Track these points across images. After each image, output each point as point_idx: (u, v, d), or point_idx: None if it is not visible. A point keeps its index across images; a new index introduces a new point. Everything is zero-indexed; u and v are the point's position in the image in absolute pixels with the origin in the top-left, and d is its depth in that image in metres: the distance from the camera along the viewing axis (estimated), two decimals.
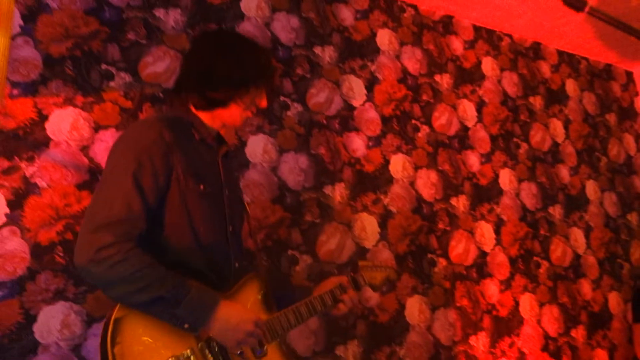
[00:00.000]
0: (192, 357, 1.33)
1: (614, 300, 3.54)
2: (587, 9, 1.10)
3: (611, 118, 4.06)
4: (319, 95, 2.71)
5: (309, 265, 2.45)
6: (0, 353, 1.76)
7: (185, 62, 1.62)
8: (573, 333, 3.27)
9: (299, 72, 2.67)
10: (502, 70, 3.53)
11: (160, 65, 2.28)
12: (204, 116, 1.56)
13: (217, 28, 1.68)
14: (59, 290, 1.88)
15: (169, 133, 1.44)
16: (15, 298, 1.82)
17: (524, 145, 3.47)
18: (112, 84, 2.15)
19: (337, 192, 2.63)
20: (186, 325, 1.33)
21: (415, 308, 2.70)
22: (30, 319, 1.82)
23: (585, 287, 3.43)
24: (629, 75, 4.33)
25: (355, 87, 2.86)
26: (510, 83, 3.55)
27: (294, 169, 2.53)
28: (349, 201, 2.65)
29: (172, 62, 2.31)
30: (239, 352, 1.41)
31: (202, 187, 1.48)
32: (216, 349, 1.38)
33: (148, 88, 2.23)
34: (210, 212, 1.51)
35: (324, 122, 2.69)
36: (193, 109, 1.56)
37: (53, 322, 1.85)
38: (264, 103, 1.61)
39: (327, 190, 2.60)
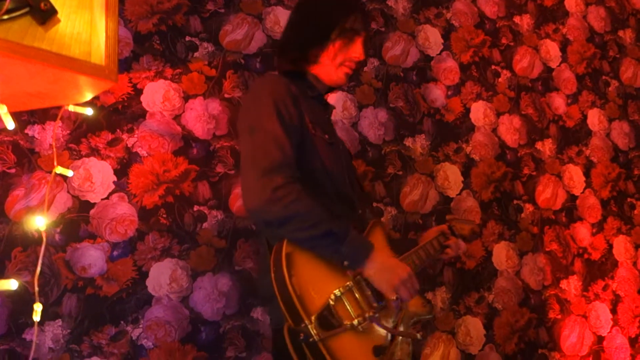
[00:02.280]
0: (353, 289, 1.41)
1: None
2: None
3: None
4: (394, 48, 2.71)
5: (393, 217, 2.52)
6: (120, 305, 1.97)
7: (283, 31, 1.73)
8: None
9: (373, 26, 2.68)
10: (587, 4, 3.35)
11: (239, 32, 2.37)
12: (312, 78, 1.65)
13: None
14: (165, 248, 2.06)
15: (294, 86, 1.54)
16: (128, 257, 2.02)
17: (614, 83, 3.30)
18: (196, 54, 2.27)
19: (418, 144, 2.65)
20: (346, 263, 1.42)
21: (502, 254, 2.71)
22: (143, 275, 2.02)
23: None
24: None
25: (432, 37, 2.83)
26: (597, 18, 3.36)
27: (374, 123, 2.58)
28: (430, 152, 2.67)
29: (250, 28, 2.39)
30: (395, 298, 1.45)
31: (327, 136, 1.58)
32: (372, 284, 1.45)
33: (230, 55, 2.33)
34: (336, 160, 1.59)
35: (401, 74, 2.70)
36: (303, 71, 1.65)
37: (162, 277, 2.04)
38: (357, 54, 1.62)
39: (408, 142, 2.64)
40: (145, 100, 2.17)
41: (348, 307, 1.39)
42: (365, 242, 1.47)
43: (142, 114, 2.15)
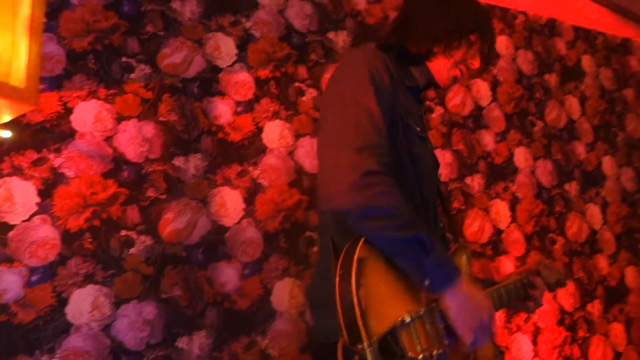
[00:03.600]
0: (425, 318, 1.22)
1: (632, 275, 3.57)
2: None
3: (628, 93, 4.03)
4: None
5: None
6: (36, 334, 1.88)
7: (399, 13, 1.54)
8: (589, 307, 3.31)
9: (313, 57, 2.72)
10: (516, 48, 3.53)
11: (178, 55, 2.35)
12: (414, 68, 1.48)
13: None
14: (88, 274, 1.99)
15: (392, 68, 1.37)
16: (48, 282, 1.94)
17: (539, 123, 3.48)
18: (132, 75, 2.23)
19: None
20: (427, 282, 1.20)
21: None
22: (63, 301, 1.94)
23: (602, 262, 3.46)
24: None
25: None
26: (525, 61, 3.55)
27: (310, 153, 2.60)
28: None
29: (190, 52, 2.38)
30: (471, 342, 1.22)
31: (419, 129, 1.40)
32: (446, 317, 1.23)
33: (167, 78, 2.30)
34: (426, 160, 1.41)
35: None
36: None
37: (84, 304, 1.96)
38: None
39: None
40: (76, 119, 2.10)
41: (415, 337, 1.19)
42: (452, 263, 1.26)
43: (71, 134, 2.08)
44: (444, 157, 3.02)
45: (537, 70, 3.58)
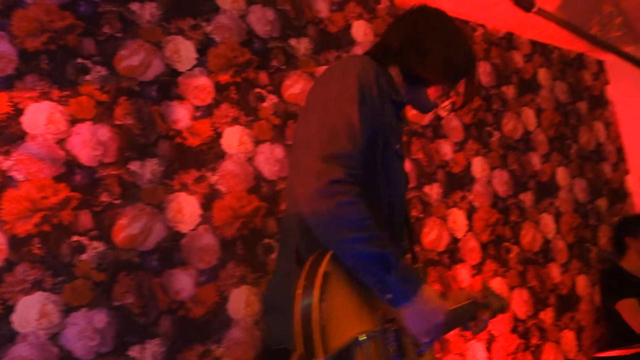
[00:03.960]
0: (378, 338, 1.23)
1: (582, 284, 3.67)
2: (535, 9, 1.16)
3: (582, 106, 4.16)
4: (294, 87, 2.76)
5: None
6: None
7: (402, 28, 1.53)
8: (542, 315, 3.39)
9: (274, 64, 2.71)
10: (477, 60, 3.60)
11: (135, 58, 2.30)
12: (401, 85, 1.50)
13: (436, 8, 1.58)
14: (36, 281, 1.92)
15: (382, 81, 1.38)
16: None
17: (497, 134, 3.55)
18: (87, 77, 2.18)
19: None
20: (389, 296, 1.21)
21: None
22: (8, 309, 1.87)
23: (554, 271, 3.55)
24: (600, 64, 4.43)
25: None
26: (484, 73, 3.62)
27: (270, 159, 2.58)
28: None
29: (148, 55, 2.34)
30: (422, 348, 1.30)
31: (398, 146, 1.41)
32: (398, 337, 1.27)
33: (124, 81, 2.26)
34: (399, 177, 1.42)
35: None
36: (395, 75, 1.48)
37: (31, 312, 1.89)
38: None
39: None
40: (27, 121, 2.04)
41: (367, 357, 1.19)
42: (416, 277, 1.27)
43: (21, 136, 2.01)
44: (407, 167, 3.04)
45: (495, 82, 3.66)
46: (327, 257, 1.18)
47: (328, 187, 1.15)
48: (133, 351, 2.05)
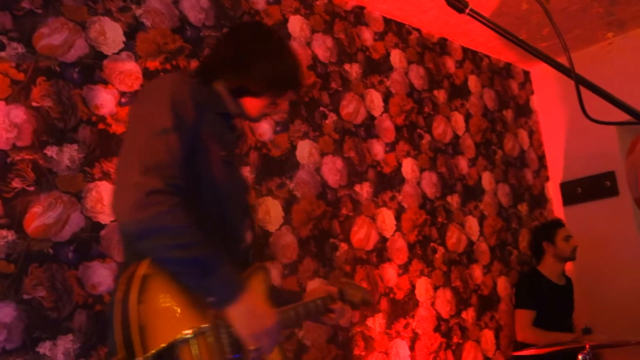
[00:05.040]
0: (208, 334, 1.25)
1: (502, 285, 3.80)
2: (467, 10, 1.17)
3: (508, 114, 4.31)
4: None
5: None
6: None
7: (226, 44, 1.59)
8: (464, 315, 3.48)
9: (207, 52, 2.63)
10: (409, 63, 3.66)
11: (57, 37, 2.17)
12: (228, 98, 1.55)
13: (260, 22, 1.67)
14: None
15: (200, 95, 1.43)
16: None
17: (427, 136, 3.62)
18: (2, 54, 2.03)
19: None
20: (211, 299, 1.26)
21: None
22: None
23: (477, 272, 3.65)
24: (526, 74, 4.61)
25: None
26: (417, 76, 3.68)
27: None
28: (254, 184, 2.67)
29: (71, 34, 2.21)
30: (254, 348, 1.31)
31: (224, 153, 1.45)
32: (232, 333, 1.30)
33: (43, 61, 2.12)
34: (231, 183, 1.47)
35: None
36: (221, 89, 1.54)
37: None
38: (284, 105, 1.66)
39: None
40: None
41: (194, 354, 1.21)
42: (237, 280, 1.32)
43: None
44: (335, 164, 3.04)
45: (427, 85, 3.73)
46: (147, 260, 1.22)
47: (146, 198, 1.20)
48: (43, 348, 1.92)
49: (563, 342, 2.65)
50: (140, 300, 1.16)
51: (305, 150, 2.93)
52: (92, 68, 2.24)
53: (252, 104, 1.56)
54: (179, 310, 1.24)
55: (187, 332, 1.21)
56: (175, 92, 1.38)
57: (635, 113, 0.96)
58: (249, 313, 1.30)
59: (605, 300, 3.90)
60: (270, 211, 2.71)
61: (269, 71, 1.52)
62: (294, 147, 2.89)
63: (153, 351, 1.14)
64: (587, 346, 2.42)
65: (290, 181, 2.83)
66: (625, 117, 1.15)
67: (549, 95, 4.51)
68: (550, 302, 3.44)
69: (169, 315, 1.22)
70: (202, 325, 1.25)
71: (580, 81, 0.96)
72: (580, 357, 2.41)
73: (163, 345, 1.16)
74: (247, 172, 2.65)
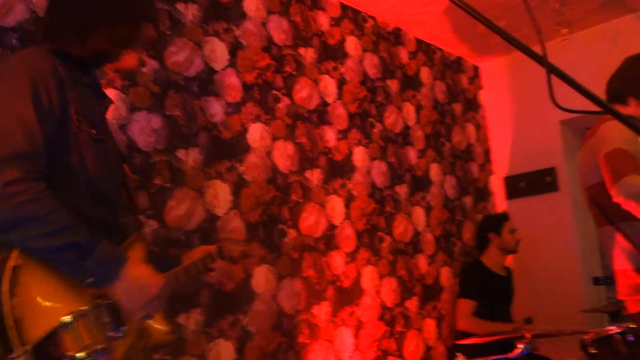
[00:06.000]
0: (89, 315, 1.23)
1: (446, 275, 3.87)
2: None
3: (457, 107, 4.38)
4: (178, 54, 2.58)
5: (155, 230, 2.36)
6: None
7: (62, 7, 1.47)
8: (407, 304, 3.51)
9: (159, 27, 2.52)
10: (364, 51, 3.64)
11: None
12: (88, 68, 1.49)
13: None
14: None
15: (63, 69, 1.36)
16: None
17: (379, 126, 3.62)
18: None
19: (191, 157, 2.55)
20: (90, 280, 1.24)
21: (262, 277, 2.72)
22: None
23: (422, 262, 3.69)
24: (476, 69, 4.69)
25: (218, 51, 2.77)
26: (371, 64, 3.67)
27: (146, 129, 2.40)
28: (202, 167, 2.59)
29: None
30: (143, 316, 1.34)
31: (94, 131, 1.41)
32: (113, 309, 1.29)
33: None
34: (102, 160, 1.43)
35: (182, 82, 2.58)
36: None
37: None
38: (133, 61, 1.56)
39: (180, 154, 2.52)
40: None
41: (77, 336, 1.19)
42: (115, 257, 1.32)
43: None
44: (286, 149, 2.99)
45: (381, 74, 3.72)
46: (16, 251, 1.18)
47: (4, 190, 1.16)
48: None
49: (503, 332, 2.71)
50: (13, 294, 1.12)
51: (256, 133, 2.86)
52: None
53: (122, 65, 1.52)
54: (56, 298, 1.21)
55: (66, 317, 1.19)
56: (35, 70, 1.30)
57: (602, 103, 0.96)
58: (132, 287, 1.31)
59: (543, 291, 4.04)
60: (218, 195, 2.63)
61: (110, 34, 1.44)
62: (245, 130, 2.82)
63: (33, 343, 1.12)
64: (528, 335, 2.48)
65: (240, 164, 2.76)
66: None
67: (496, 90, 4.61)
68: (491, 293, 3.53)
69: (46, 304, 1.19)
70: (81, 308, 1.23)
71: (552, 70, 0.95)
72: (520, 346, 2.47)
73: (42, 335, 1.14)
74: (196, 154, 2.57)
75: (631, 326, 2.52)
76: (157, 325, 1.47)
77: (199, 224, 2.52)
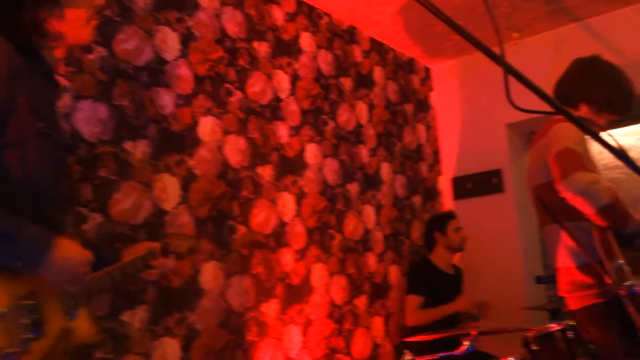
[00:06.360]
0: (5, 317, 1.20)
1: (394, 273, 3.90)
2: None
3: (409, 108, 4.42)
4: (128, 42, 2.50)
5: (99, 224, 2.27)
6: None
7: None
8: (356, 302, 3.52)
9: (107, 13, 2.43)
10: (318, 47, 3.62)
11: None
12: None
13: None
14: None
15: (19, 58, 1.34)
16: None
17: (331, 123, 3.61)
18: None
19: (139, 149, 2.47)
20: (19, 263, 1.24)
21: (210, 274, 2.67)
22: None
23: (371, 260, 3.71)
24: (427, 71, 4.75)
25: (170, 40, 2.70)
26: (325, 62, 3.65)
27: (91, 118, 2.31)
28: (150, 159, 2.51)
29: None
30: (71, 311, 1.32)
31: (42, 125, 1.39)
32: (35, 310, 1.27)
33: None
34: (46, 154, 1.41)
35: (131, 72, 2.50)
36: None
37: None
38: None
39: (128, 145, 2.43)
40: None
41: None
42: (44, 238, 1.31)
43: None
44: (238, 144, 2.94)
45: (335, 72, 3.72)
46: None
47: None
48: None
49: (452, 312, 2.74)
50: None
51: (207, 127, 2.80)
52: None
53: (71, 38, 1.46)
54: None
55: None
56: None
57: (555, 104, 0.97)
58: (62, 263, 1.31)
59: (488, 289, 4.13)
60: (167, 189, 2.56)
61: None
62: (195, 123, 2.75)
63: None
64: (473, 333, 2.53)
65: (190, 158, 2.69)
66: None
67: (447, 93, 4.68)
68: (439, 290, 3.59)
69: None
70: (2, 310, 1.21)
71: (509, 70, 0.95)
72: (466, 343, 2.52)
73: None
74: (144, 146, 2.49)
75: (571, 323, 2.61)
76: (82, 325, 1.41)
77: (145, 219, 2.44)
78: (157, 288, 2.41)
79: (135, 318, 2.32)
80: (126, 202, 2.38)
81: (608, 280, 2.06)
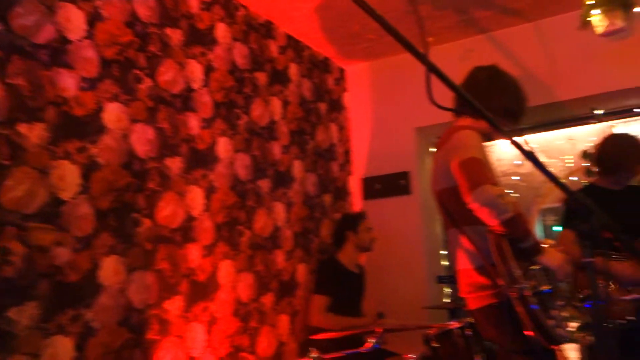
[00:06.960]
0: None
1: (302, 271, 3.89)
2: None
3: (322, 107, 4.44)
4: (26, 16, 2.30)
5: None
6: None
7: None
8: (263, 299, 3.48)
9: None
10: (234, 39, 3.54)
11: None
12: None
13: None
14: None
15: None
16: None
17: (245, 117, 3.54)
18: None
19: (35, 133, 2.28)
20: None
21: (110, 269, 2.52)
22: None
23: (279, 257, 3.68)
24: (342, 71, 4.80)
25: (74, 19, 2.52)
26: (240, 54, 3.58)
27: None
28: (48, 145, 2.33)
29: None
30: None
31: None
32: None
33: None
34: None
35: (29, 49, 2.31)
36: None
37: None
38: None
39: (22, 128, 2.24)
40: None
41: None
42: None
43: None
44: (146, 133, 2.81)
45: (250, 66, 3.65)
46: None
47: None
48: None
49: (358, 326, 2.78)
50: None
51: (113, 113, 2.65)
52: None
53: None
54: None
55: None
56: None
57: (476, 107, 0.99)
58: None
59: (392, 288, 4.24)
60: (65, 177, 2.39)
61: None
62: (100, 109, 2.59)
63: None
64: (379, 330, 2.57)
65: (93, 146, 2.53)
66: None
67: (359, 94, 4.75)
68: (345, 289, 3.62)
69: None
70: None
71: (431, 69, 0.96)
72: (371, 340, 2.55)
73: None
74: (41, 130, 2.31)
75: (470, 321, 2.72)
76: None
77: (40, 208, 2.26)
78: (50, 282, 2.25)
79: (23, 315, 2.14)
80: (18, 189, 2.19)
81: (501, 282, 2.16)
